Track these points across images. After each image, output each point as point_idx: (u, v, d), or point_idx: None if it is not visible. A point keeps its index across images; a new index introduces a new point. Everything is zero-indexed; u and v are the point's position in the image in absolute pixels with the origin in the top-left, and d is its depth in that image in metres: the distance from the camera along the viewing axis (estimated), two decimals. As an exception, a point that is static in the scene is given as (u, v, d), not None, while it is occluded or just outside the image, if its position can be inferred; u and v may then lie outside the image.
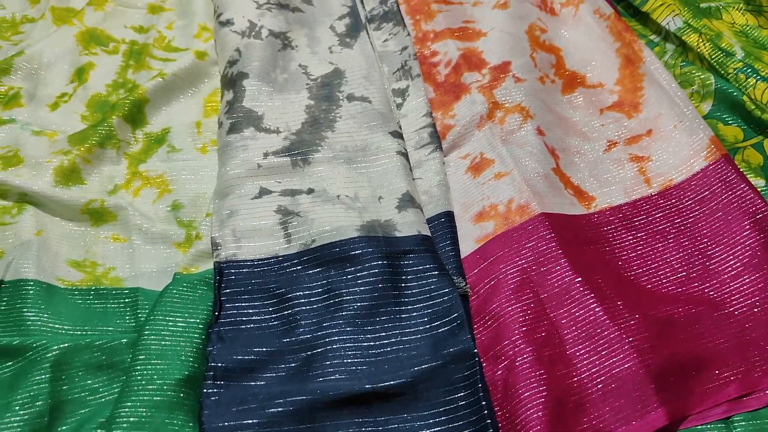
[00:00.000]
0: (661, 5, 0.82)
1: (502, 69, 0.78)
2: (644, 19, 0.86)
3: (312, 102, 0.75)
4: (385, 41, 0.84)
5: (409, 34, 0.83)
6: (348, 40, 0.83)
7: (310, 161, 0.69)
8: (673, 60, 0.80)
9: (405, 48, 0.82)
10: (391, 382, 0.53)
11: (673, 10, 0.81)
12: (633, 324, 0.57)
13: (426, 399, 0.53)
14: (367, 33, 0.84)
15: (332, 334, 0.57)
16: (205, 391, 0.53)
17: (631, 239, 0.66)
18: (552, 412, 0.53)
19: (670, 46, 0.82)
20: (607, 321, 0.57)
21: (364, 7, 0.88)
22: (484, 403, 0.53)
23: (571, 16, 0.87)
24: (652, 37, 0.85)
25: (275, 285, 0.61)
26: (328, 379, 0.54)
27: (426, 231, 0.64)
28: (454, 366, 0.55)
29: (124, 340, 0.58)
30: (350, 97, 0.76)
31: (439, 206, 0.67)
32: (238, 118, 0.72)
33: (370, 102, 0.75)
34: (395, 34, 0.84)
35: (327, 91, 0.77)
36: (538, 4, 0.88)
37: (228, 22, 0.81)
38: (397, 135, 0.72)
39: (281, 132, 0.72)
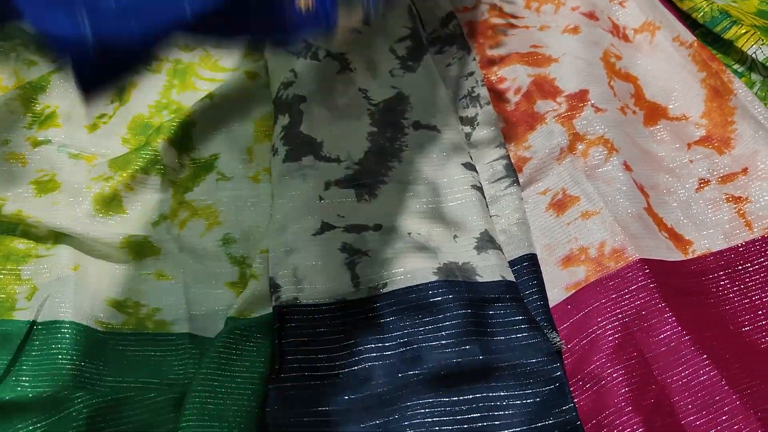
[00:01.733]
0: (746, 33, 0.76)
1: (580, 98, 0.72)
2: (724, 47, 0.80)
3: (375, 129, 0.69)
4: (448, 65, 0.78)
5: (474, 59, 0.77)
6: (410, 63, 0.77)
7: (377, 194, 0.63)
8: (763, 92, 0.74)
9: (471, 73, 0.76)
10: None
11: (761, 38, 0.75)
12: (756, 390, 0.50)
13: None
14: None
15: (410, 393, 0.50)
16: None
17: (737, 290, 0.59)
18: (671, 496, 0.45)
19: (756, 77, 0.76)
20: (726, 387, 0.50)
21: (424, 30, 0.82)
22: None
23: (646, 43, 0.81)
24: (736, 66, 0.78)
25: (343, 334, 0.54)
26: None
27: (510, 276, 0.57)
28: None
29: (172, 395, 0.51)
30: (416, 125, 0.69)
31: (521, 248, 0.60)
32: (295, 145, 0.66)
33: (438, 131, 0.69)
34: (459, 58, 0.78)
35: (391, 117, 0.70)
36: (610, 29, 0.82)
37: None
38: (470, 167, 0.65)
39: (343, 161, 0.65)
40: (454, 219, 0.61)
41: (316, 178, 0.63)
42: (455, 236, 0.60)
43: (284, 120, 0.69)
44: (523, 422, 0.48)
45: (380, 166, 0.65)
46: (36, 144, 0.68)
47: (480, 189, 0.64)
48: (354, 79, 0.74)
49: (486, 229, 0.60)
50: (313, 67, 0.73)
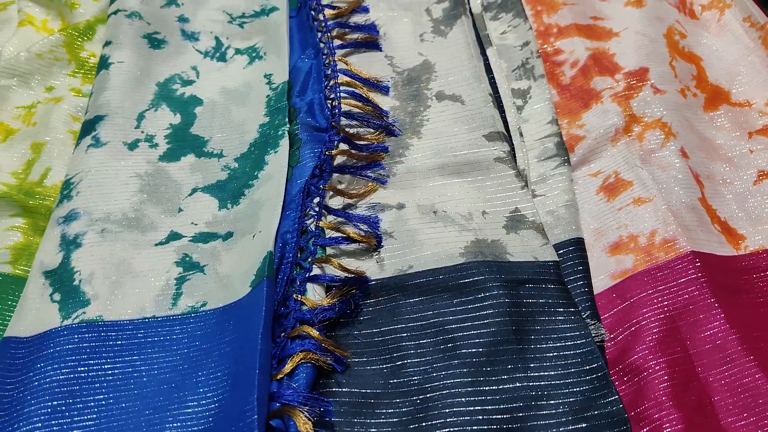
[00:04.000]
0: (823, 18, 0.72)
1: (639, 76, 0.69)
2: (798, 31, 0.76)
3: (397, 103, 0.67)
4: (503, 33, 0.75)
5: (530, 28, 0.74)
6: (443, 27, 0.74)
7: (396, 173, 0.61)
8: (835, 82, 0.70)
9: (527, 43, 0.73)
10: None
11: (838, 24, 0.71)
12: (802, 397, 0.49)
13: None
14: (472, 19, 0.75)
15: (448, 376, 0.49)
16: None
17: (790, 291, 0.57)
18: (706, 496, 0.45)
19: (829, 66, 0.72)
20: (771, 390, 0.49)
21: (479, -8, 0.79)
22: None
23: (714, 21, 0.77)
24: (808, 53, 0.74)
25: (371, 317, 0.53)
26: (452, 430, 0.46)
27: (546, 257, 0.56)
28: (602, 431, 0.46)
29: None
30: (440, 96, 0.67)
31: (569, 231, 0.59)
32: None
33: (462, 102, 0.66)
34: (515, 27, 0.75)
35: (414, 88, 0.68)
36: (676, 4, 0.78)
37: None
38: (496, 137, 0.63)
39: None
40: (479, 195, 0.60)
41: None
42: (483, 212, 0.59)
43: None
44: (568, 413, 0.47)
45: (399, 145, 0.63)
46: (78, 94, 0.68)
47: (507, 161, 0.61)
48: (381, 46, 0.72)
49: (517, 207, 0.58)
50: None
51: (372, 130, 0.64)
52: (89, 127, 0.62)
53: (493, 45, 0.73)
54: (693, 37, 0.76)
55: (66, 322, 0.50)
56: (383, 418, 0.48)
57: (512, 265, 0.55)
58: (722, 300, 0.54)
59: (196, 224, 0.59)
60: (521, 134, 0.66)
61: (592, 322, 0.53)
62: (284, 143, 0.61)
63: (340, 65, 0.68)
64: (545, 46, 0.75)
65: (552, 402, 0.48)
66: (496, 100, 0.68)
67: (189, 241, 0.57)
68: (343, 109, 0.64)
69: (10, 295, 0.54)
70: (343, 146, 0.61)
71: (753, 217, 0.62)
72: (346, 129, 0.62)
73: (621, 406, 0.47)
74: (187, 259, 0.56)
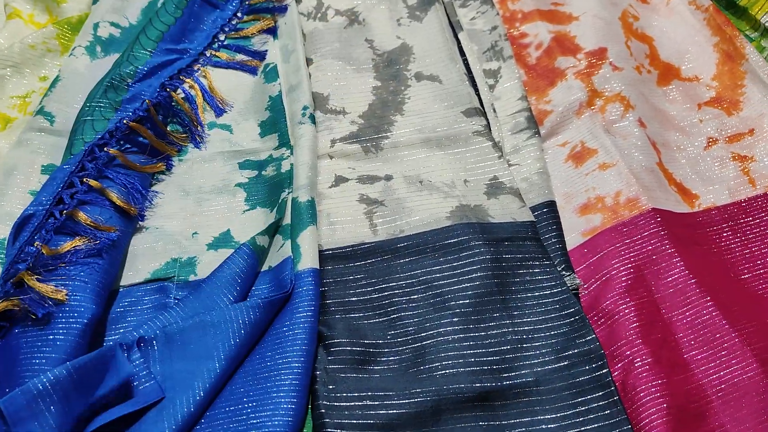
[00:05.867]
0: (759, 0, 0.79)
1: (599, 55, 0.75)
2: (738, 12, 0.83)
3: (379, 83, 0.72)
4: (472, 19, 0.81)
5: (498, 14, 0.80)
6: (418, 13, 0.79)
7: (383, 147, 0.66)
8: (773, 57, 0.77)
9: (495, 27, 0.79)
10: (516, 381, 0.51)
11: (774, 6, 0.78)
12: (753, 330, 0.55)
13: (553, 401, 0.51)
14: (444, 7, 0.81)
15: (440, 326, 0.54)
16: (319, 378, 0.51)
17: (739, 242, 0.63)
18: (674, 419, 0.50)
19: (767, 43, 0.79)
20: (727, 326, 0.55)
21: (449, -18, 0.84)
22: (621, 405, 0.50)
23: (663, 5, 0.84)
24: (748, 32, 0.82)
25: (365, 274, 0.58)
26: (448, 373, 0.51)
27: (523, 218, 0.61)
28: (581, 367, 0.52)
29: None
30: (418, 76, 0.73)
31: (542, 195, 0.64)
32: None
33: (440, 82, 0.72)
34: (483, 12, 0.81)
35: (393, 70, 0.73)
36: (629, -10, 0.85)
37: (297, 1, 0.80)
38: (473, 113, 0.69)
39: (348, 113, 0.69)
40: (460, 165, 0.65)
41: (323, 134, 0.67)
42: (465, 181, 0.64)
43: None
44: (551, 353, 0.53)
45: (383, 121, 0.68)
46: None
47: (484, 134, 0.67)
48: (361, 30, 0.77)
49: (495, 175, 0.64)
50: (322, 27, 0.76)
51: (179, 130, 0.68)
52: None
53: (464, 29, 0.79)
54: (645, 20, 0.82)
55: None
56: (385, 365, 0.52)
57: (493, 225, 0.60)
58: (681, 250, 0.60)
59: None
60: (494, 110, 0.71)
61: (567, 273, 0.58)
62: None
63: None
64: (511, 30, 0.80)
65: (535, 344, 0.53)
66: (470, 80, 0.73)
67: None
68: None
69: None
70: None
71: (704, 178, 0.68)
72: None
73: (598, 343, 0.53)
74: None
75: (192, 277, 0.58)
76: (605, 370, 0.52)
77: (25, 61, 0.70)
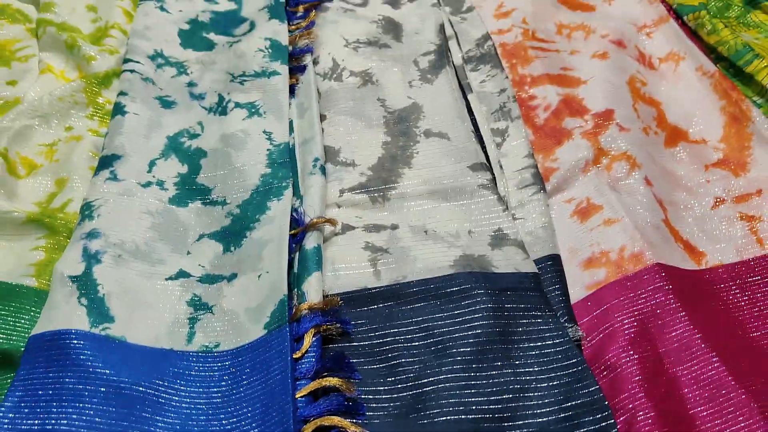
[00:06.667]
0: (766, 66, 0.81)
1: (606, 116, 0.77)
2: (745, 80, 0.85)
3: (389, 138, 0.74)
4: (482, 82, 0.83)
5: (507, 77, 0.83)
6: (429, 76, 0.83)
7: (390, 197, 0.68)
8: (780, 122, 0.78)
9: (503, 90, 0.81)
10: (518, 430, 0.50)
11: (779, 73, 0.80)
12: (760, 387, 0.54)
13: None
14: (455, 71, 0.84)
15: (440, 372, 0.54)
16: None
17: (747, 300, 0.63)
18: (678, 475, 0.49)
19: (774, 109, 0.81)
20: (733, 382, 0.54)
21: (460, 48, 0.88)
22: None
23: (670, 72, 0.86)
24: (755, 98, 0.83)
25: (367, 320, 0.58)
26: (449, 419, 0.50)
27: (526, 269, 0.62)
28: (585, 418, 0.51)
29: None
30: (427, 133, 0.75)
31: (546, 249, 0.65)
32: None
33: (448, 138, 0.74)
34: (493, 76, 0.83)
35: (404, 126, 0.76)
36: (637, 57, 0.87)
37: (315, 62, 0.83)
38: (479, 167, 0.70)
39: (357, 165, 0.71)
40: (466, 217, 0.66)
41: (333, 185, 0.69)
42: (470, 231, 0.65)
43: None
44: (553, 403, 0.52)
45: (391, 173, 0.70)
46: (95, 134, 0.74)
47: (489, 188, 0.68)
48: (374, 90, 0.80)
49: (500, 227, 0.65)
50: (337, 87, 0.79)
51: None
52: (107, 162, 0.68)
53: (474, 92, 0.81)
54: (653, 85, 0.84)
55: (94, 330, 0.54)
56: (384, 411, 0.52)
57: (496, 275, 0.60)
58: (686, 305, 0.59)
59: (203, 266, 0.63)
60: (501, 167, 0.73)
61: (570, 325, 0.58)
62: (288, 193, 0.67)
63: None
64: (520, 93, 0.83)
65: (538, 393, 0.53)
66: (477, 138, 0.75)
67: (197, 281, 0.62)
68: None
69: (34, 306, 0.58)
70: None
71: (711, 237, 0.68)
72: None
73: (601, 395, 0.52)
74: (196, 299, 0.60)
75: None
76: (611, 421, 0.51)
77: (53, 113, 0.74)
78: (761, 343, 0.59)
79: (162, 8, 0.90)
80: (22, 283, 0.60)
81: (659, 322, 0.58)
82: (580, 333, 0.58)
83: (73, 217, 0.65)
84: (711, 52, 0.87)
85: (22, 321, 0.58)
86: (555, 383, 0.53)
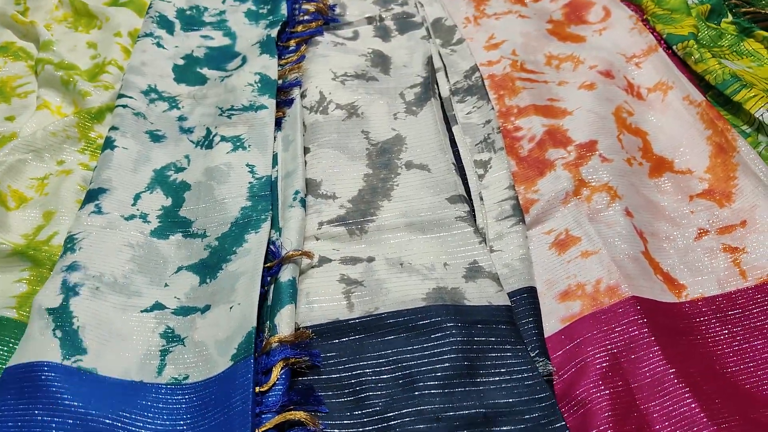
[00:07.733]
0: (754, 96, 0.80)
1: (589, 147, 0.77)
2: (735, 109, 0.84)
3: (370, 171, 0.75)
4: (468, 114, 0.84)
5: (493, 108, 0.83)
6: (414, 108, 0.83)
7: (367, 230, 0.69)
8: (767, 152, 0.78)
9: (488, 121, 0.82)
10: None
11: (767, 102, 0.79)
12: (734, 425, 0.53)
13: None
14: (441, 103, 0.85)
15: (407, 405, 0.54)
16: None
17: (726, 334, 0.62)
18: None
19: (763, 138, 0.80)
20: (705, 419, 0.53)
21: (448, 80, 0.89)
22: None
23: (658, 102, 0.86)
24: (744, 127, 0.82)
25: (337, 353, 0.58)
26: None
27: (499, 302, 0.61)
28: None
29: None
30: (409, 165, 0.75)
31: (522, 281, 0.64)
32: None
33: (429, 170, 0.74)
34: (479, 108, 0.84)
35: (385, 158, 0.76)
36: (625, 87, 0.87)
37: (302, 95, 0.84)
38: (457, 200, 0.71)
39: (338, 197, 0.72)
40: (441, 249, 0.66)
41: (312, 217, 0.70)
42: (445, 264, 0.65)
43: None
44: None
45: (370, 206, 0.71)
46: (86, 168, 0.76)
47: (466, 220, 0.68)
48: (359, 122, 0.81)
49: (475, 260, 0.65)
50: (322, 120, 0.80)
51: None
52: (93, 195, 0.70)
53: (459, 123, 0.82)
54: (640, 115, 0.84)
55: (66, 363, 0.55)
56: None
57: (468, 308, 0.60)
58: (661, 339, 0.59)
59: (178, 298, 0.64)
60: (481, 198, 0.73)
61: (541, 360, 0.58)
62: (266, 226, 0.68)
63: None
64: (506, 124, 0.83)
65: (504, 428, 0.52)
66: (459, 170, 0.76)
67: (171, 313, 0.63)
68: None
69: (14, 338, 0.59)
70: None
71: (693, 269, 0.68)
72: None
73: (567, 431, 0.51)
74: (169, 331, 0.61)
75: None
76: None
77: (46, 147, 0.76)
78: (739, 378, 0.58)
79: (159, 44, 0.92)
80: (3, 315, 0.61)
81: (632, 356, 0.58)
82: (550, 367, 0.57)
83: (58, 250, 0.67)
84: (700, 80, 0.87)
85: (2, 352, 0.59)
86: (522, 418, 0.53)
